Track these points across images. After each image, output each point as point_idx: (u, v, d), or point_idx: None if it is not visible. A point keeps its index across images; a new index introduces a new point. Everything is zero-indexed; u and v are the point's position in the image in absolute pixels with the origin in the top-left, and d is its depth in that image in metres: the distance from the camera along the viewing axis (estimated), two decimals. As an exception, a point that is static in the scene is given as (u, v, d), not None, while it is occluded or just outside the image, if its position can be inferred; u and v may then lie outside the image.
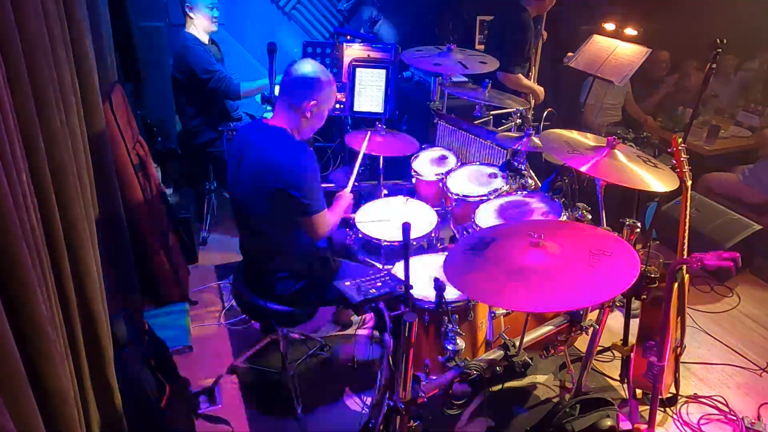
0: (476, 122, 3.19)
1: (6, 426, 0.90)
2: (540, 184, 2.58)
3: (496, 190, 2.56)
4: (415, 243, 2.40)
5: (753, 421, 2.40)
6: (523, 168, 2.60)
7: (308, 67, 2.00)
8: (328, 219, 2.09)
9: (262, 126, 2.04)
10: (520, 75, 3.58)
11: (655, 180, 1.85)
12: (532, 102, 3.73)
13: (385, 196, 2.80)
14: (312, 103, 2.00)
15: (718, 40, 2.58)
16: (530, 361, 1.76)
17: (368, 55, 3.20)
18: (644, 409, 2.41)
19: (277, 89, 2.36)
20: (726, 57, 4.56)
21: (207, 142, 3.43)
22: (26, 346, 1.08)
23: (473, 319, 1.99)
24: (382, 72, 3.05)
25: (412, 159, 2.98)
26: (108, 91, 2.47)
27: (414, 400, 1.54)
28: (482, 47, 4.35)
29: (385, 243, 2.38)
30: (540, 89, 3.71)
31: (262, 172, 1.97)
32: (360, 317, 2.93)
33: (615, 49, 3.40)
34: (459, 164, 2.87)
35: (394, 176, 3.19)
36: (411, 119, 3.64)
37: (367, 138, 2.65)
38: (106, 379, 1.66)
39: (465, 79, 3.81)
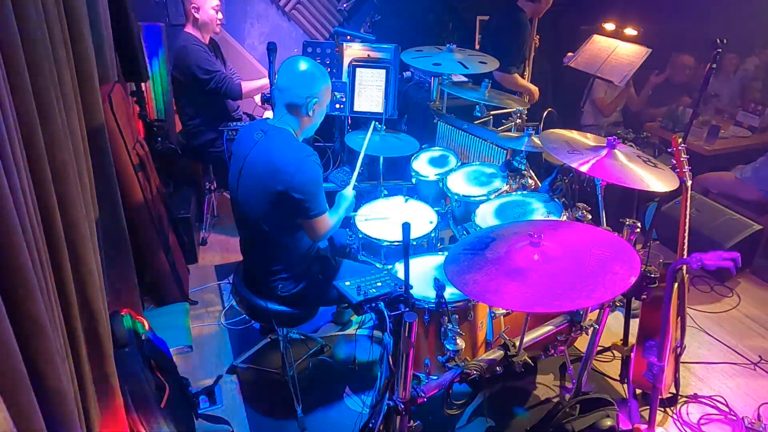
0: (476, 122, 3.19)
1: (6, 425, 0.90)
2: (540, 184, 2.58)
3: (496, 190, 2.56)
4: (414, 243, 2.40)
5: (753, 421, 2.40)
6: (523, 168, 2.60)
7: (303, 64, 2.00)
8: (329, 221, 2.09)
9: (266, 127, 2.04)
10: (516, 75, 3.58)
11: (655, 180, 1.85)
12: (527, 101, 3.74)
13: (385, 196, 2.80)
14: (314, 99, 2.01)
15: (718, 40, 2.58)
16: (530, 361, 1.76)
17: (368, 55, 3.21)
18: (644, 409, 2.41)
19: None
20: (726, 56, 4.56)
21: (207, 142, 3.43)
22: (26, 345, 1.08)
23: (473, 319, 1.99)
24: (382, 72, 3.06)
25: (412, 159, 2.99)
26: (108, 91, 2.47)
27: (414, 400, 1.54)
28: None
29: (385, 243, 2.38)
30: (535, 89, 3.72)
31: (265, 174, 1.97)
32: (360, 317, 2.93)
33: (615, 49, 3.40)
34: (459, 164, 2.88)
35: (394, 176, 3.19)
36: (411, 119, 3.64)
37: (367, 138, 2.65)
38: (107, 379, 1.66)
39: (465, 79, 3.81)
